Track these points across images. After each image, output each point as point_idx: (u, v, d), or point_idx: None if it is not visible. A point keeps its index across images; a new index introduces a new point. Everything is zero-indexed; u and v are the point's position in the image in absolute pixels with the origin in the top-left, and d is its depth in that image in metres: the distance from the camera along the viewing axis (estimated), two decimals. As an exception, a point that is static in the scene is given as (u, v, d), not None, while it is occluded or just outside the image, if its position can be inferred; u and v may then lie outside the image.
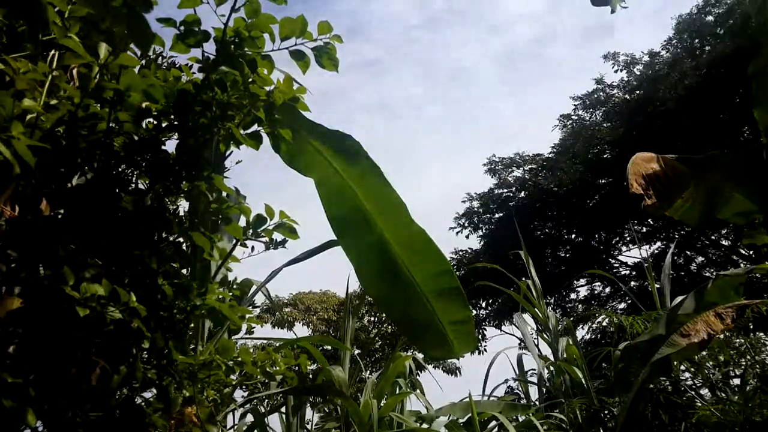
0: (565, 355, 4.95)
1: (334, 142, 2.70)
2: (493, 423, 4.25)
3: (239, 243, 1.79)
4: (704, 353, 3.73)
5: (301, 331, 12.36)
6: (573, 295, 19.28)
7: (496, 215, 18.58)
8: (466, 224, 18.87)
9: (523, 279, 5.53)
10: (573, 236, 18.67)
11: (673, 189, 3.47)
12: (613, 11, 3.03)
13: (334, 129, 2.66)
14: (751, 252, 13.93)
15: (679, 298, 4.84)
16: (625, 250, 18.44)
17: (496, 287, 5.52)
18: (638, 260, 17.33)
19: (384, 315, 11.50)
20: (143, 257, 1.55)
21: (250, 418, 3.88)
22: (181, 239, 1.68)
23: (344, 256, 3.07)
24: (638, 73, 17.36)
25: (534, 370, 5.56)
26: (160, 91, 1.59)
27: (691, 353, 3.33)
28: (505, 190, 18.86)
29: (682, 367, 4.03)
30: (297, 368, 2.26)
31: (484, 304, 18.53)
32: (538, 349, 5.43)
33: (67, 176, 1.52)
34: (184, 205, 1.73)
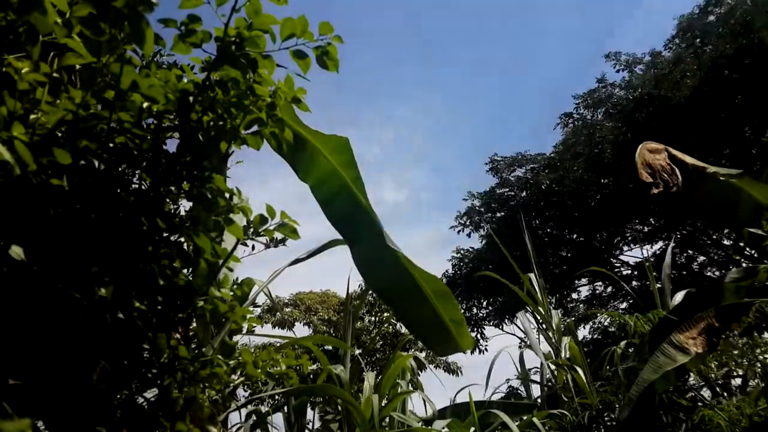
0: (567, 354, 4.94)
1: (331, 144, 2.79)
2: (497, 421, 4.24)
3: (240, 242, 1.79)
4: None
5: (302, 331, 12.37)
6: (574, 295, 19.30)
7: (498, 215, 18.56)
8: (467, 223, 18.87)
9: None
10: (574, 236, 18.65)
11: (679, 184, 3.56)
12: None
13: (331, 134, 2.77)
14: (753, 252, 13.89)
15: (679, 296, 4.86)
16: (626, 250, 18.45)
17: (501, 280, 5.50)
18: (640, 260, 17.33)
19: (391, 313, 11.51)
20: (145, 257, 1.55)
21: (252, 417, 3.88)
22: (182, 239, 1.68)
23: (343, 255, 3.11)
24: (640, 72, 17.33)
25: (536, 367, 5.55)
26: (171, 90, 1.60)
27: (699, 360, 3.35)
28: (507, 190, 18.85)
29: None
30: (299, 368, 2.27)
31: (485, 303, 18.54)
32: (540, 348, 5.42)
33: (68, 176, 1.52)
34: (185, 205, 1.73)
